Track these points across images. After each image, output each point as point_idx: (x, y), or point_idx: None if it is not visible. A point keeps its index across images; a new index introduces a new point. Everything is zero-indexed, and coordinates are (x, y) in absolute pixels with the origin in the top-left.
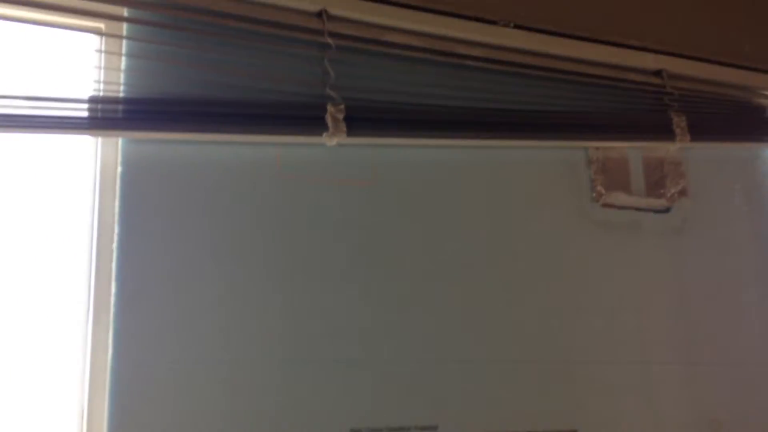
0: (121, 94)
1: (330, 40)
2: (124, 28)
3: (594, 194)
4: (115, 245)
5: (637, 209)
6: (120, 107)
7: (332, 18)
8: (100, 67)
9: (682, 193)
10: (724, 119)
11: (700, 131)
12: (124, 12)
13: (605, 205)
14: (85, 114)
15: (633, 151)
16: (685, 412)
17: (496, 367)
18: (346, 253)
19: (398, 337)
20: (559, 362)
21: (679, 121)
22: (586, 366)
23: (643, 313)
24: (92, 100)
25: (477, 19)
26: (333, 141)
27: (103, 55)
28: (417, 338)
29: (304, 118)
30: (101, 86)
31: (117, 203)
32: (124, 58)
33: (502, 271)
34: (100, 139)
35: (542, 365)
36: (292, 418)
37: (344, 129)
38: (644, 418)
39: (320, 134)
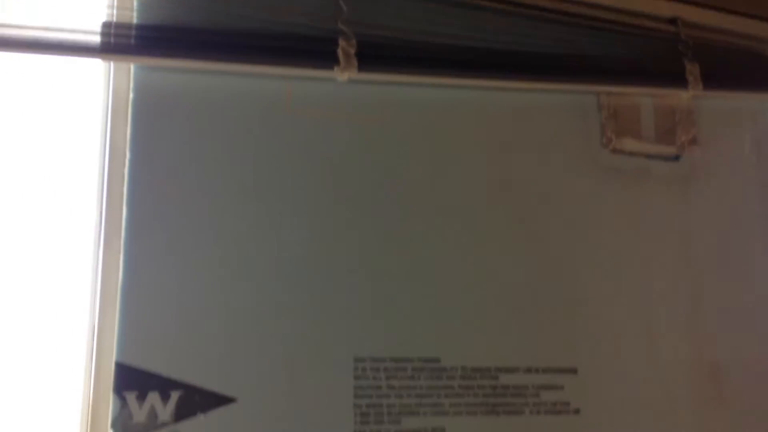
0: (134, 21)
1: None
2: None
3: (604, 140)
4: (126, 170)
5: (647, 156)
6: (132, 33)
7: None
8: None
9: (693, 141)
10: (737, 69)
11: (713, 80)
12: None
13: (614, 151)
14: (98, 39)
15: (645, 99)
16: (685, 354)
17: (498, 305)
18: (353, 187)
19: (402, 272)
20: (561, 302)
21: (692, 69)
22: (587, 307)
23: (648, 257)
24: (105, 26)
25: None
26: (344, 76)
27: None
28: (420, 273)
29: (315, 51)
30: (114, 12)
31: (129, 129)
32: None
33: (508, 210)
34: (112, 64)
35: (544, 304)
36: (298, 344)
37: (355, 64)
38: (644, 359)
39: (331, 68)
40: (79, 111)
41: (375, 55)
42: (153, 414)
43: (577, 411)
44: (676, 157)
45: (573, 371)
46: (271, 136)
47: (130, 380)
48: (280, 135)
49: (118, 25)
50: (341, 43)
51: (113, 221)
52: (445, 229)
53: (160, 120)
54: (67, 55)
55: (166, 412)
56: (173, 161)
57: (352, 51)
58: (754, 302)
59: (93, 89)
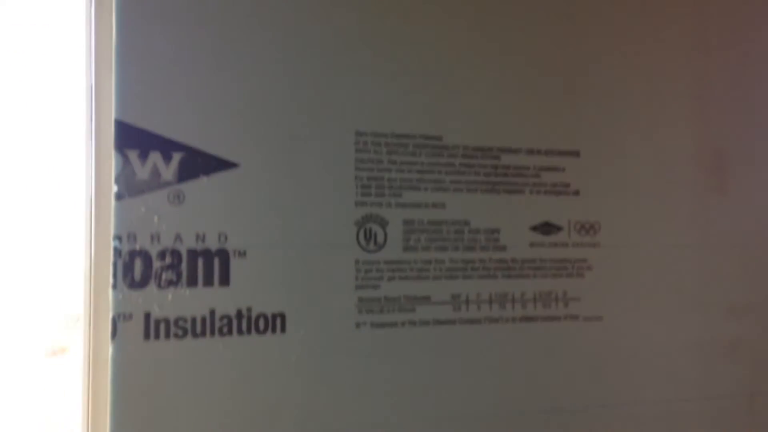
0: None
1: None
2: None
3: None
4: None
5: None
6: None
7: None
8: None
9: None
10: None
11: None
12: None
13: None
14: None
15: None
16: (689, 141)
17: (503, 87)
18: (353, 19)
19: (405, 49)
20: (566, 86)
21: None
22: (592, 91)
23: (657, 42)
24: None
25: None
26: None
27: None
28: (423, 51)
29: None
30: None
31: None
32: None
33: (516, 15)
34: None
35: (548, 87)
36: (300, 115)
37: None
38: (647, 145)
39: None
40: None
41: None
42: (156, 172)
43: (576, 192)
44: None
45: (575, 154)
46: None
47: (131, 138)
48: None
49: None
50: None
51: (103, 52)
52: (450, 5)
53: None
54: None
55: (168, 171)
56: None
57: None
58: (763, 94)
59: None
